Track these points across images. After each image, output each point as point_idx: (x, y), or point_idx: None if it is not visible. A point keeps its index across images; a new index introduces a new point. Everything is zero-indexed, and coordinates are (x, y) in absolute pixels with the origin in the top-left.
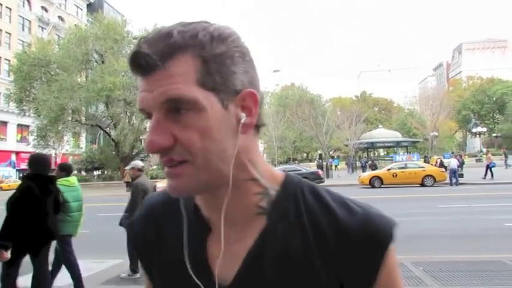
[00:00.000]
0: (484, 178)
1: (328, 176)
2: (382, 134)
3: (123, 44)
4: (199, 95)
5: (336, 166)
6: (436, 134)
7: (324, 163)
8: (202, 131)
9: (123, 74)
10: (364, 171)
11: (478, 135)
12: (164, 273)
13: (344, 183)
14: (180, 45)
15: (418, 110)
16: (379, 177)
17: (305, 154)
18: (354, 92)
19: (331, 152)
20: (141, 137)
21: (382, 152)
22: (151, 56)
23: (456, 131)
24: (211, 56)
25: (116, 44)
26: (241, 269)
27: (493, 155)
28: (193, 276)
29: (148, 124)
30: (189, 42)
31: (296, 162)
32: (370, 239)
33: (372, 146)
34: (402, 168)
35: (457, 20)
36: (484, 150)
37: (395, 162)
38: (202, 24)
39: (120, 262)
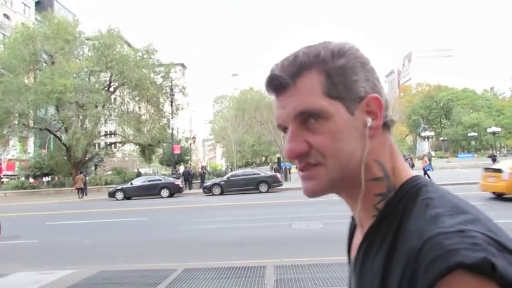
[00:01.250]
0: None
1: (286, 180)
2: None
3: (75, 44)
4: (326, 104)
5: (286, 170)
6: None
7: (271, 166)
8: (333, 135)
9: (75, 75)
10: None
11: (426, 139)
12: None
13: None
14: (305, 64)
15: None
16: None
17: (264, 158)
18: None
19: None
20: (94, 141)
21: None
22: (283, 77)
23: (407, 135)
24: (333, 69)
25: (68, 45)
26: (354, 261)
27: (440, 157)
28: (348, 264)
29: (282, 137)
30: (313, 60)
31: (254, 165)
32: (417, 267)
33: None
34: None
35: (408, 29)
36: (433, 153)
37: None
38: (323, 44)
39: (71, 273)
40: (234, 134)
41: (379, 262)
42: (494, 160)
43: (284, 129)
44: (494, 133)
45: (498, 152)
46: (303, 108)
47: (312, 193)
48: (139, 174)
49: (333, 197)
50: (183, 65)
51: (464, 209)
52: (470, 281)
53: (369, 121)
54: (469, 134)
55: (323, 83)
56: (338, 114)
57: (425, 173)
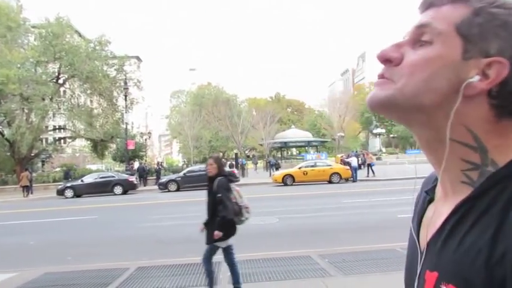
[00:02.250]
0: (368, 176)
1: (243, 175)
2: (295, 134)
3: (19, 32)
4: (446, 31)
5: (242, 165)
6: (343, 134)
7: (229, 163)
8: (425, 61)
9: (18, 66)
10: (273, 170)
11: (378, 136)
12: (409, 235)
13: (258, 182)
14: None
15: (327, 111)
16: (291, 176)
17: (221, 153)
18: (268, 93)
19: (246, 152)
20: (42, 136)
21: (294, 151)
22: None
23: (360, 132)
24: (484, 11)
25: (10, 32)
26: (432, 237)
27: (390, 153)
28: (414, 236)
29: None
30: None
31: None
32: None
33: (285, 146)
34: (312, 166)
35: (364, 28)
36: (383, 149)
37: (305, 161)
38: None
39: (13, 276)
40: (191, 130)
41: (479, 236)
42: None
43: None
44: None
45: None
46: (426, 21)
47: (368, 101)
48: (67, 173)
49: (287, 192)
50: (138, 58)
51: None
52: None
53: (475, 78)
54: None
55: (463, 16)
56: (450, 47)
57: (370, 167)
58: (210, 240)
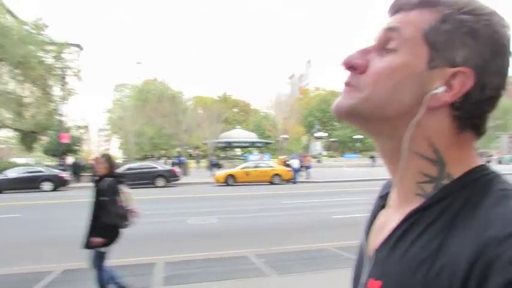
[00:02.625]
0: (306, 178)
1: (185, 174)
2: (239, 134)
3: None
4: (413, 38)
5: (184, 164)
6: (286, 136)
7: (170, 161)
8: (390, 70)
9: None
10: (214, 170)
11: (319, 139)
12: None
13: (200, 181)
14: (433, 2)
15: (273, 113)
16: (233, 176)
17: (163, 151)
18: (215, 92)
19: (189, 150)
20: None
21: (238, 151)
22: (404, 2)
23: (303, 135)
24: (452, 18)
25: None
26: (380, 245)
27: (330, 157)
28: (361, 245)
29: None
30: (440, 4)
31: (155, 158)
32: (496, 257)
33: (229, 145)
34: (254, 167)
35: (313, 34)
36: (324, 152)
37: (248, 161)
38: None
39: None
40: (133, 125)
41: (422, 249)
42: (374, 160)
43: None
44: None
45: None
46: (393, 25)
47: (334, 109)
48: None
49: (228, 192)
50: (79, 46)
51: None
52: None
53: (439, 89)
54: (354, 137)
55: (430, 22)
56: (415, 56)
57: (306, 169)
58: (89, 246)
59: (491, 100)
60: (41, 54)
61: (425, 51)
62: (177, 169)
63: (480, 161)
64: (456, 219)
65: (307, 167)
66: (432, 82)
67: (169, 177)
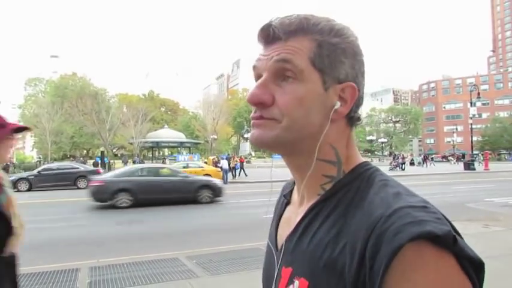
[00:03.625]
0: (234, 178)
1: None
2: (168, 134)
3: None
4: (306, 68)
5: (109, 164)
6: (216, 137)
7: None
8: (300, 99)
9: None
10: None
11: (248, 140)
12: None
13: None
14: (303, 28)
15: (202, 113)
16: None
17: (85, 151)
18: (141, 90)
19: (114, 150)
20: None
21: (167, 151)
22: (278, 29)
23: (232, 135)
24: (326, 43)
25: None
26: (288, 236)
27: (258, 157)
28: (270, 239)
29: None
30: (311, 28)
31: (78, 159)
32: (385, 230)
33: (157, 145)
34: (184, 167)
35: (240, 35)
36: (253, 153)
37: (178, 162)
38: (328, 18)
39: None
40: (49, 123)
41: (326, 234)
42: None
43: (258, 76)
44: None
45: None
46: (286, 57)
47: (257, 140)
48: None
49: None
50: None
51: (414, 192)
52: (434, 251)
53: (337, 104)
54: None
55: (312, 50)
56: (313, 82)
57: (235, 170)
58: None
59: (362, 98)
60: None
61: (317, 76)
62: (101, 170)
63: (362, 158)
64: (349, 207)
65: (235, 167)
66: (330, 100)
67: None
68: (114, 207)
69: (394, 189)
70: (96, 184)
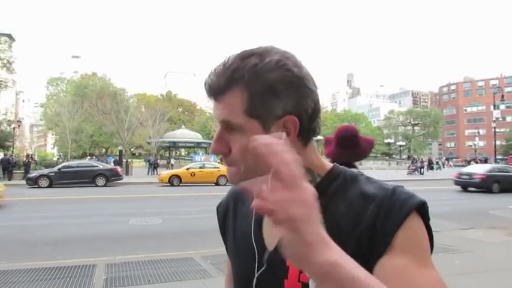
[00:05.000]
0: None
1: (127, 174)
2: (185, 134)
3: None
4: (244, 122)
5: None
6: None
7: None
8: (245, 149)
9: None
10: (153, 169)
11: None
12: (237, 241)
13: (143, 181)
14: (233, 81)
15: None
16: (178, 176)
17: (104, 149)
18: (159, 90)
19: (132, 149)
20: None
21: (183, 151)
22: (214, 89)
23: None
24: (255, 91)
25: None
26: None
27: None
28: (253, 242)
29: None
30: (239, 79)
31: (94, 157)
32: (392, 205)
33: (174, 145)
34: (200, 168)
35: (255, 38)
36: None
37: (194, 162)
38: (256, 59)
39: None
40: (70, 122)
41: (331, 221)
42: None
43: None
44: (318, 140)
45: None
46: (224, 119)
47: (230, 181)
48: None
49: (173, 193)
50: (10, 36)
51: (387, 181)
52: (418, 216)
53: (283, 135)
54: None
55: (245, 102)
56: (253, 130)
57: None
58: None
59: (315, 112)
60: None
61: (256, 123)
62: (119, 168)
63: (329, 163)
64: (345, 197)
65: None
66: (278, 137)
67: (111, 177)
68: None
69: (377, 181)
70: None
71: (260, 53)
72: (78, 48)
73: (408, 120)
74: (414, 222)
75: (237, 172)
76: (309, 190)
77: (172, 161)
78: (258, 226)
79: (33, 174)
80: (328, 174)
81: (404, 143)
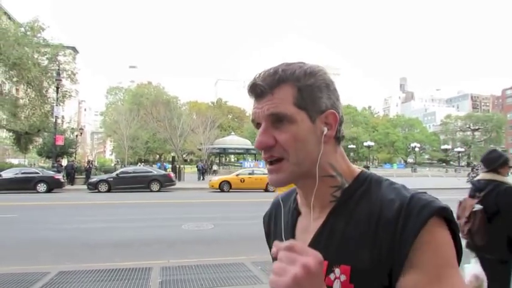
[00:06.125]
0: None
1: (179, 179)
2: (234, 140)
3: None
4: (294, 112)
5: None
6: None
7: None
8: (295, 136)
9: None
10: (202, 175)
11: None
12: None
13: (195, 187)
14: (283, 79)
15: None
16: (228, 182)
17: (158, 155)
18: (210, 97)
19: (184, 155)
20: None
21: (233, 157)
22: (264, 86)
23: None
24: (304, 86)
25: None
26: (312, 240)
27: None
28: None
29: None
30: (289, 77)
31: (150, 164)
32: (410, 210)
33: (224, 152)
34: (250, 174)
35: (302, 46)
36: None
37: (243, 168)
38: (300, 64)
39: None
40: (127, 129)
41: (355, 227)
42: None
43: (257, 125)
44: (369, 147)
45: (371, 164)
46: (275, 111)
47: (277, 183)
48: None
49: (224, 199)
50: (74, 49)
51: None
52: (441, 220)
53: (325, 130)
54: (349, 146)
55: (294, 96)
56: (302, 121)
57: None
58: None
59: (343, 116)
60: (36, 56)
61: (304, 114)
62: (172, 174)
63: (357, 167)
64: (370, 203)
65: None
66: (319, 128)
67: (164, 182)
68: None
69: (399, 186)
70: None
71: (299, 63)
72: (135, 58)
73: (467, 125)
74: (435, 228)
75: (285, 166)
76: None
77: (215, 167)
78: (291, 229)
79: (94, 179)
80: (356, 180)
81: (463, 149)
